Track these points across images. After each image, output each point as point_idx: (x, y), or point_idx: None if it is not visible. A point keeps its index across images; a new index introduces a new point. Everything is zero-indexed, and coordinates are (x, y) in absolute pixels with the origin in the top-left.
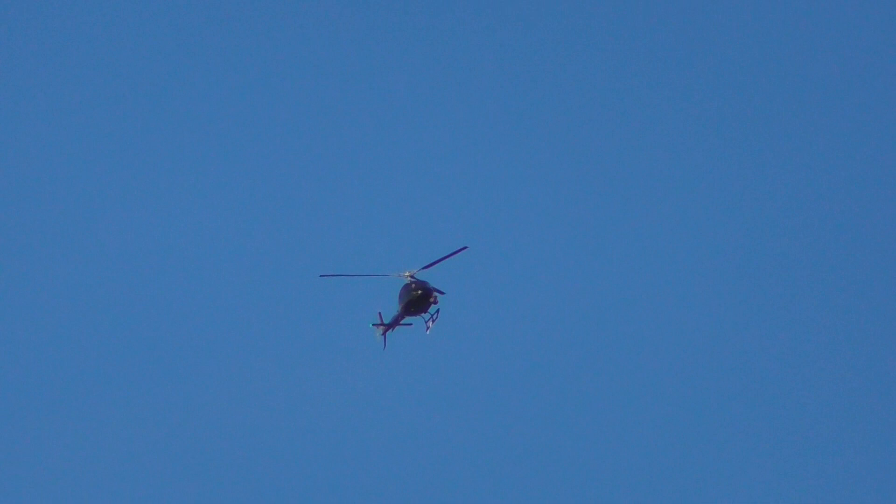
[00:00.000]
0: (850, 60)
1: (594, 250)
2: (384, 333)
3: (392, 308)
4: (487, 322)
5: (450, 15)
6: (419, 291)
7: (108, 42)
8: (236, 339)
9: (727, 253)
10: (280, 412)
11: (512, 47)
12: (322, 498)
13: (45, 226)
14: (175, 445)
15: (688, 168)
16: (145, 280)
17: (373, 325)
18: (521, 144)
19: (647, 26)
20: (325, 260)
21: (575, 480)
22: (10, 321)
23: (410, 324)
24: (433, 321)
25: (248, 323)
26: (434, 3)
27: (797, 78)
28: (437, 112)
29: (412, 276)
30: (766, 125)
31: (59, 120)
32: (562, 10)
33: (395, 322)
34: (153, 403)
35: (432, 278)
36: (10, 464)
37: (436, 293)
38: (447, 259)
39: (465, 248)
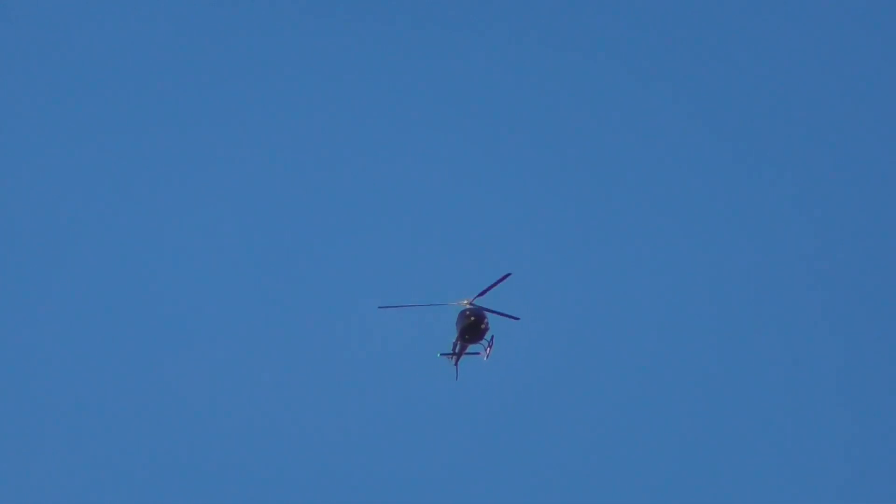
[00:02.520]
0: (851, 61)
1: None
2: (456, 363)
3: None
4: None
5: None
6: (472, 318)
7: (113, 45)
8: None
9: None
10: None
11: (523, 55)
12: None
13: (51, 227)
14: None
15: (707, 175)
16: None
17: (440, 354)
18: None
19: (650, 30)
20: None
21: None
22: (12, 322)
23: (478, 352)
24: (490, 347)
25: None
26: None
27: (800, 81)
28: (449, 118)
29: (470, 304)
30: (769, 129)
31: (67, 123)
32: (570, 14)
33: (459, 351)
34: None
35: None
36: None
37: (487, 320)
38: (496, 286)
39: (508, 274)
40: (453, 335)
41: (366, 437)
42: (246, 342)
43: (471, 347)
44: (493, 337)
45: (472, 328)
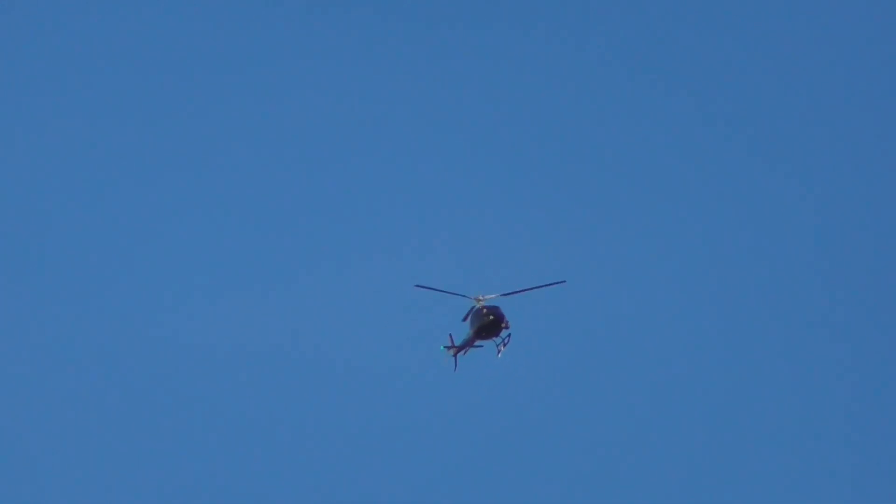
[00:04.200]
0: (851, 60)
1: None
2: (455, 355)
3: (460, 330)
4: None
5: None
6: (491, 317)
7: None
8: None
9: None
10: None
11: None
12: None
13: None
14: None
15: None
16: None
17: (444, 347)
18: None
19: (651, 27)
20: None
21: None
22: (15, 324)
23: (481, 345)
24: (504, 346)
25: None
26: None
27: (799, 79)
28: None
29: (484, 301)
30: (770, 128)
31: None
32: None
33: (465, 345)
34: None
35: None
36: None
37: (507, 319)
38: (530, 291)
39: (562, 281)
40: (453, 329)
41: (368, 436)
42: (247, 337)
43: (477, 342)
44: (510, 335)
45: (492, 327)
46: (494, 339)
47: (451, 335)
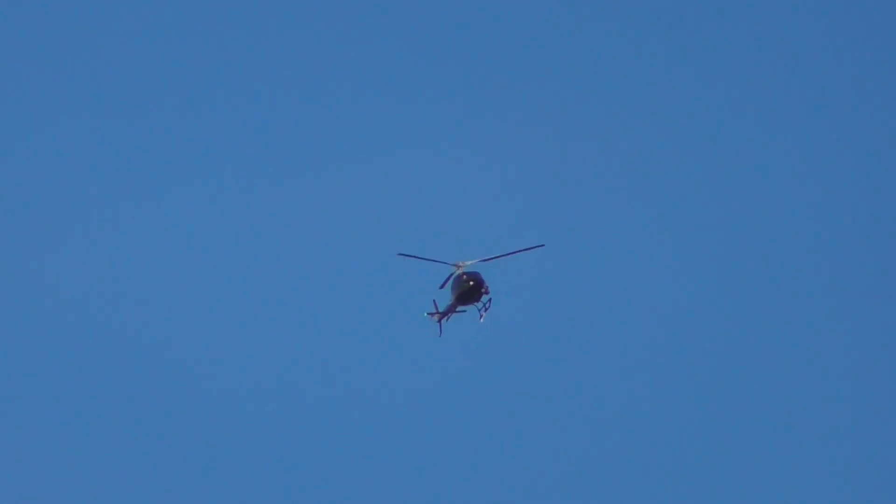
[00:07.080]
0: (851, 60)
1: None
2: (439, 321)
3: (443, 296)
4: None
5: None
6: (471, 283)
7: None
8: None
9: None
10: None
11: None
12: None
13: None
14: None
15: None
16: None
17: (427, 314)
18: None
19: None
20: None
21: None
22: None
23: (464, 310)
24: (486, 310)
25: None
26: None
27: (798, 79)
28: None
29: (463, 267)
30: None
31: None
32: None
33: (448, 311)
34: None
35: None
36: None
37: (487, 284)
38: (510, 256)
39: (542, 245)
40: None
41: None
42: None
43: (459, 307)
44: (490, 299)
45: (473, 292)
46: (476, 304)
47: (434, 301)
